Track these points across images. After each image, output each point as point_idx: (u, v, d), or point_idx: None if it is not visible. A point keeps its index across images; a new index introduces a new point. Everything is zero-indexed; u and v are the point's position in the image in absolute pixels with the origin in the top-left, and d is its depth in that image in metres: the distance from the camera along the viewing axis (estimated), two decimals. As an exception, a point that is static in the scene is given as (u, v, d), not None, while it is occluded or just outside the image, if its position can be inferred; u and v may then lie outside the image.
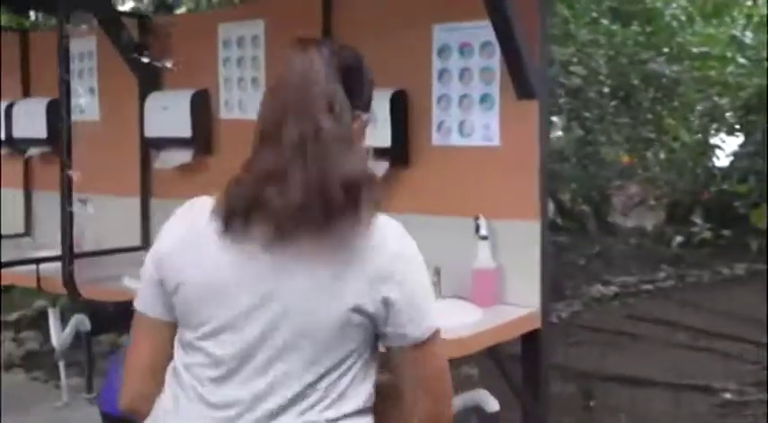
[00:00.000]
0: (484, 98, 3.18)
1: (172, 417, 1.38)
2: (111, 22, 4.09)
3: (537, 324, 3.09)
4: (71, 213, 3.13)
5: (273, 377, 1.34)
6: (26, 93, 4.87)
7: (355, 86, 1.46)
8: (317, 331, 1.34)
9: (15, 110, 4.74)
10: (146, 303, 1.45)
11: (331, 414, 1.36)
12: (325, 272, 1.36)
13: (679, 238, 9.61)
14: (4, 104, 4.80)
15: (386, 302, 1.38)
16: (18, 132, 4.73)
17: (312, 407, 1.35)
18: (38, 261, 3.65)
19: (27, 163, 4.89)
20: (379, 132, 3.22)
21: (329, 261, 1.35)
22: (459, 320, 2.89)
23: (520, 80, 3.03)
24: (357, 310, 1.36)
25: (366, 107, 1.54)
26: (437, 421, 1.45)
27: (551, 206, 10.11)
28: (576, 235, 9.79)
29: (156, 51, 4.18)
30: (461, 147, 3.26)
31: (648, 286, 8.14)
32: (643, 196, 10.50)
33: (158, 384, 1.43)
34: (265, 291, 1.35)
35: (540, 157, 3.09)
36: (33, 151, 4.75)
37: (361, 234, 1.38)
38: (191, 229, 1.42)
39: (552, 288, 6.64)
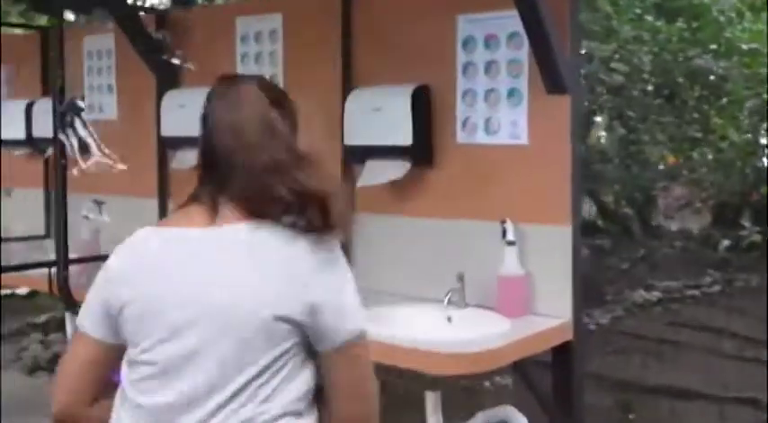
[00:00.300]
0: (511, 93, 2.97)
1: None
2: (127, 19, 3.95)
3: (568, 336, 2.87)
4: (65, 217, 2.98)
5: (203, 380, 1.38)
6: (45, 91, 4.76)
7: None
8: (243, 333, 1.38)
9: (35, 109, 4.63)
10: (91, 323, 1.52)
11: (259, 413, 1.38)
12: (253, 275, 1.41)
13: (726, 242, 9.24)
14: (25, 103, 4.70)
15: (311, 306, 1.40)
16: (37, 132, 4.63)
17: (243, 406, 1.37)
18: (35, 266, 3.53)
19: (47, 163, 4.78)
20: (399, 130, 3.04)
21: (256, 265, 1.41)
22: (483, 332, 2.69)
23: (549, 73, 2.81)
24: (281, 315, 1.38)
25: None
26: None
27: (592, 208, 9.83)
28: (618, 238, 9.48)
29: (174, 49, 4.04)
30: (487, 145, 3.05)
31: (694, 292, 7.80)
32: (689, 198, 10.15)
33: (87, 399, 1.51)
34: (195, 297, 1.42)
35: (572, 156, 2.87)
36: (52, 151, 4.64)
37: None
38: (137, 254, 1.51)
39: (591, 293, 6.38)
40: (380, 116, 3.15)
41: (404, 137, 3.09)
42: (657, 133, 8.62)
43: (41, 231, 4.73)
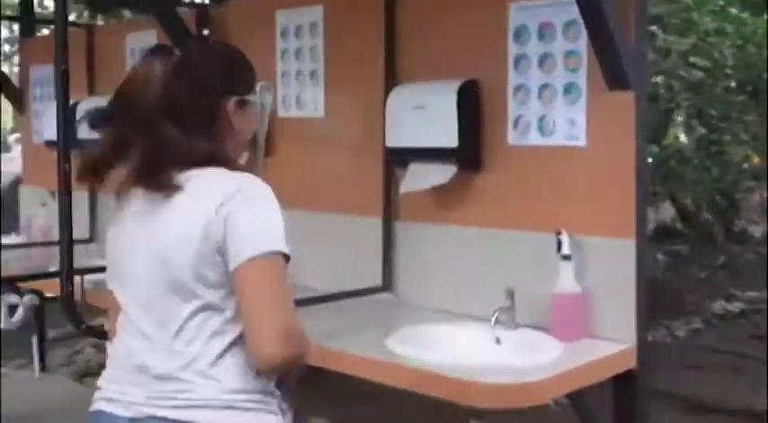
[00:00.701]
0: (568, 88, 2.65)
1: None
2: (167, 16, 3.76)
3: (631, 363, 2.54)
4: (70, 226, 2.76)
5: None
6: (92, 91, 4.62)
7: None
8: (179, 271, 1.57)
9: (79, 110, 4.49)
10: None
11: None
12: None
13: (816, 249, 8.64)
14: (70, 103, 4.57)
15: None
16: (82, 133, 4.48)
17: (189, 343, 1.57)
18: (38, 276, 3.38)
19: (92, 165, 4.64)
20: (444, 130, 2.76)
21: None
22: (534, 359, 2.39)
23: (611, 67, 2.49)
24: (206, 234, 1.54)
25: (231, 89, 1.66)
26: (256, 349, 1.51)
27: (670, 211, 9.32)
28: (698, 244, 8.95)
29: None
30: (541, 147, 2.73)
31: (779, 303, 7.29)
32: (775, 201, 9.55)
33: None
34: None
35: (636, 159, 2.53)
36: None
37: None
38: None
39: (667, 303, 5.93)
40: (424, 115, 2.87)
41: (449, 138, 2.80)
42: (740, 132, 8.09)
43: (86, 235, 4.58)
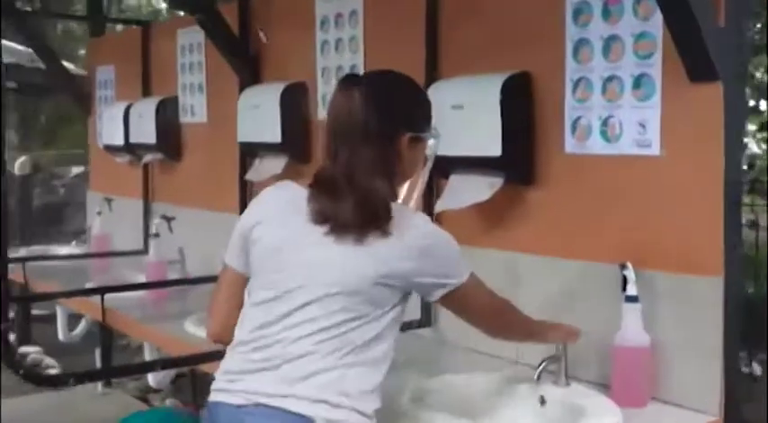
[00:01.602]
0: (638, 81, 2.07)
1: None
2: (204, 11, 3.38)
3: (715, 441, 1.94)
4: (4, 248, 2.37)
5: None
6: (146, 92, 4.32)
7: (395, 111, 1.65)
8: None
9: (132, 112, 4.21)
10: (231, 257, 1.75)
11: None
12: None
13: None
14: (124, 106, 4.30)
15: None
16: (134, 137, 4.21)
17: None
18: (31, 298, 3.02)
19: (146, 171, 4.35)
20: (485, 135, 2.23)
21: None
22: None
23: (693, 52, 1.90)
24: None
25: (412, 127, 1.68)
26: None
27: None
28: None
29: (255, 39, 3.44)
30: (604, 156, 2.16)
31: None
32: None
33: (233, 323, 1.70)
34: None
35: (725, 174, 1.93)
36: (148, 157, 4.20)
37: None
38: (278, 201, 1.71)
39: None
40: (463, 116, 2.35)
41: (491, 145, 2.27)
42: None
43: (140, 246, 4.28)
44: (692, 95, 1.96)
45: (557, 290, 2.28)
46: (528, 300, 2.34)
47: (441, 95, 2.43)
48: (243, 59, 3.41)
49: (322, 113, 3.07)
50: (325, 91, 3.08)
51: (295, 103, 3.13)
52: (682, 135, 2.00)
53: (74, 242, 4.70)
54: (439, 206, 2.46)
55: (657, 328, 2.01)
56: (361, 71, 2.91)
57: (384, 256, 1.58)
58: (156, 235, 3.50)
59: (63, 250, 4.71)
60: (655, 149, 2.04)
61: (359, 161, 1.60)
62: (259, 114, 3.23)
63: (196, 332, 2.75)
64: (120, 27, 5.47)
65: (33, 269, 4.08)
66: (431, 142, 1.74)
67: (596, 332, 2.09)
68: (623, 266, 2.03)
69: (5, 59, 5.15)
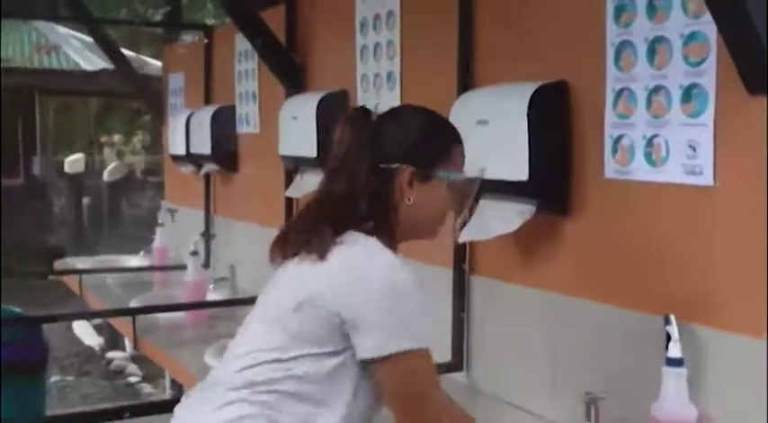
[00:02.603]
0: (689, 93, 1.68)
1: None
2: (244, 17, 3.17)
3: None
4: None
5: None
6: (208, 100, 4.16)
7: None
8: None
9: (193, 121, 4.06)
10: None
11: None
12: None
13: None
14: (186, 115, 4.16)
15: None
16: (193, 146, 4.05)
17: None
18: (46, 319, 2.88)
19: (207, 182, 4.19)
20: (511, 155, 1.91)
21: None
22: None
23: (752, 58, 1.50)
24: None
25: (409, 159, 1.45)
26: None
27: None
28: None
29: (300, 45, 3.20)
30: (648, 184, 1.78)
31: None
32: None
33: None
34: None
35: (795, 210, 1.52)
36: (206, 168, 4.04)
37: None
38: None
39: None
40: (488, 133, 2.01)
41: (517, 167, 1.92)
42: None
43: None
44: (753, 111, 1.56)
45: (589, 340, 1.91)
46: (556, 347, 2.00)
47: (466, 108, 2.11)
48: (286, 67, 3.17)
49: (361, 126, 2.79)
50: (365, 100, 2.79)
51: (332, 114, 2.85)
52: (739, 161, 1.60)
53: (142, 252, 4.59)
54: (463, 236, 2.13)
55: (706, 398, 1.62)
56: (397, 81, 2.62)
57: (306, 280, 1.38)
58: (195, 253, 3.32)
59: (132, 260, 4.62)
60: (707, 178, 1.65)
61: (328, 190, 1.47)
62: (297, 126, 2.98)
63: (215, 365, 2.53)
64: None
65: (97, 280, 4.01)
66: (458, 180, 1.50)
67: (632, 397, 1.72)
68: (667, 320, 1.65)
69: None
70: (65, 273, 4.20)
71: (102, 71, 6.21)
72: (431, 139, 1.48)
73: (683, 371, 1.62)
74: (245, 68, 3.75)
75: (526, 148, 1.90)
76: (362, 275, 1.35)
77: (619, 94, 1.83)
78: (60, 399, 5.10)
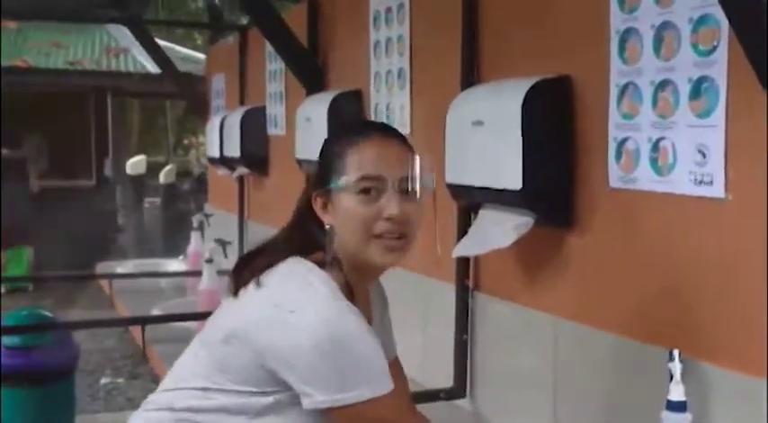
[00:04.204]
0: (698, 87, 1.43)
1: None
2: (264, 16, 3.01)
3: None
4: None
5: None
6: (242, 101, 4.04)
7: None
8: None
9: (226, 124, 3.93)
10: None
11: None
12: None
13: None
14: (222, 116, 4.04)
15: None
16: (226, 149, 3.93)
17: None
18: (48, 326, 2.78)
19: (241, 185, 4.06)
20: (505, 160, 1.69)
21: None
22: None
23: (765, 47, 1.25)
24: None
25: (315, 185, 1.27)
26: None
27: None
28: None
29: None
30: (654, 195, 1.53)
31: None
32: None
33: None
34: None
35: (817, 229, 1.26)
36: (238, 172, 3.91)
37: None
38: None
39: None
40: (483, 135, 1.79)
41: (510, 173, 1.69)
42: None
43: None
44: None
45: (593, 371, 1.67)
46: (559, 377, 1.77)
47: (462, 109, 1.89)
48: (307, 67, 3.01)
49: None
50: (377, 100, 2.60)
51: (345, 114, 2.67)
52: (753, 169, 1.34)
53: (181, 257, 4.51)
54: (458, 250, 1.91)
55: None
56: (407, 77, 2.41)
57: (238, 309, 1.21)
58: (210, 261, 3.18)
59: (171, 264, 4.55)
60: (718, 189, 1.39)
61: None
62: (310, 128, 2.81)
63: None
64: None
65: (131, 284, 3.94)
66: (350, 183, 1.23)
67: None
68: (671, 355, 1.40)
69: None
70: (96, 277, 4.14)
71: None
72: (324, 156, 1.28)
73: (685, 417, 1.37)
74: (274, 69, 3.60)
75: (520, 152, 1.67)
76: (289, 323, 1.16)
77: (623, 90, 1.58)
78: (107, 401, 5.06)
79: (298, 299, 1.17)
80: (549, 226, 1.75)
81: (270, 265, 1.21)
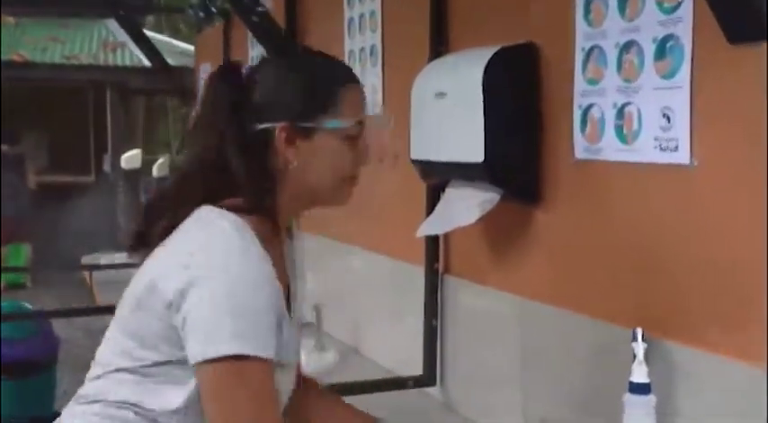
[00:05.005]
0: (662, 47, 1.33)
1: None
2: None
3: None
4: None
5: None
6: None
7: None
8: None
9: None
10: None
11: None
12: None
13: None
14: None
15: None
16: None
17: None
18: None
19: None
20: (466, 132, 1.61)
21: None
22: None
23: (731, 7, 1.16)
24: None
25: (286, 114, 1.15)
26: None
27: None
28: None
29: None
30: (620, 165, 1.44)
31: None
32: None
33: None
34: None
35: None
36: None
37: None
38: None
39: None
40: (445, 107, 1.70)
41: (473, 146, 1.60)
42: None
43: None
44: (735, 67, 1.20)
45: (562, 355, 1.58)
46: (528, 362, 1.68)
47: (425, 80, 1.80)
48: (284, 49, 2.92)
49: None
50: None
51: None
52: (721, 132, 1.24)
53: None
54: (421, 230, 1.82)
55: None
56: (379, 54, 2.33)
57: (141, 274, 1.14)
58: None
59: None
60: (683, 155, 1.30)
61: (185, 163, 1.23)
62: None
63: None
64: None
65: (111, 276, 3.86)
66: (349, 128, 1.17)
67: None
68: (634, 335, 1.31)
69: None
70: (79, 268, 4.08)
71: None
72: (309, 85, 1.17)
73: (649, 399, 1.28)
74: (257, 54, 3.51)
75: (481, 123, 1.58)
76: (185, 266, 1.07)
77: (588, 54, 1.49)
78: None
79: (199, 240, 1.08)
80: (515, 202, 1.65)
81: (174, 225, 1.13)
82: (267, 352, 1.06)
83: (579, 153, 1.52)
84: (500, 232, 1.77)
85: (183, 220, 1.13)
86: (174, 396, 1.12)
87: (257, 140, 1.15)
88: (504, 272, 1.78)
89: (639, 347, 1.29)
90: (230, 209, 1.12)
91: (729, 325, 1.24)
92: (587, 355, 1.52)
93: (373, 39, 2.36)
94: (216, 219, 1.11)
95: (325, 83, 1.17)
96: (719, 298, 1.25)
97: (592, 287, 1.51)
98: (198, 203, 1.14)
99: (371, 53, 2.38)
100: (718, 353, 1.25)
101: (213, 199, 1.13)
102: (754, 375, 1.17)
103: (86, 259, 4.54)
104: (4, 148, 7.77)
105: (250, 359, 1.04)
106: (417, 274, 2.03)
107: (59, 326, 3.42)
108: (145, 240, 1.18)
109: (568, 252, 1.58)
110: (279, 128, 1.14)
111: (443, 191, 1.85)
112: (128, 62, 8.46)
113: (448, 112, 1.69)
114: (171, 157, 7.17)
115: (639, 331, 1.30)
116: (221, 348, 1.03)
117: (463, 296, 1.94)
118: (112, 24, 8.90)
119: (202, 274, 1.05)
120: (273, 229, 1.13)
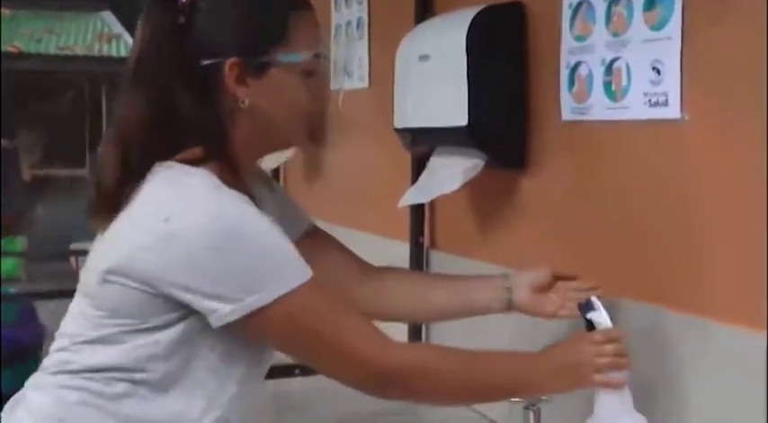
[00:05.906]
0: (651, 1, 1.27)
1: None
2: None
3: None
4: None
5: None
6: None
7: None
8: None
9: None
10: None
11: None
12: None
13: None
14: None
15: None
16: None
17: None
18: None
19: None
20: (450, 96, 1.54)
21: None
22: None
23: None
24: None
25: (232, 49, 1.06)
26: None
27: None
28: None
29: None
30: (609, 124, 1.37)
31: None
32: None
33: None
34: None
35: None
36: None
37: None
38: None
39: None
40: (428, 71, 1.64)
41: (457, 110, 1.54)
42: None
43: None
44: (728, 12, 1.14)
45: (547, 333, 1.51)
46: (515, 340, 1.61)
47: (409, 44, 1.74)
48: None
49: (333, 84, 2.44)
50: (336, 53, 2.44)
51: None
52: (713, 84, 1.18)
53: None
54: (403, 200, 1.76)
55: (665, 402, 1.21)
56: (365, 25, 2.26)
57: (107, 244, 1.07)
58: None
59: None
60: (673, 110, 1.23)
61: (125, 113, 1.11)
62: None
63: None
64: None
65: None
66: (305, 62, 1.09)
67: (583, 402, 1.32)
68: (587, 301, 1.22)
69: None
70: (66, 255, 4.03)
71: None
72: (258, 16, 1.08)
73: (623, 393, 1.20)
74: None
75: (465, 86, 1.51)
76: (166, 233, 1.00)
77: (576, 9, 1.42)
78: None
79: (169, 203, 1.01)
80: (501, 168, 1.59)
81: (133, 186, 1.05)
82: (307, 273, 1.02)
83: (566, 114, 1.45)
84: (486, 202, 1.71)
85: (140, 179, 1.06)
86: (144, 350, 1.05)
87: (205, 77, 1.06)
88: (492, 243, 1.71)
89: (602, 314, 1.20)
90: (188, 162, 1.06)
91: (725, 289, 1.17)
92: (579, 328, 1.45)
93: (360, 11, 2.30)
94: (182, 177, 1.04)
95: (276, 10, 1.09)
96: (714, 261, 1.18)
97: (581, 254, 1.44)
98: (153, 157, 1.07)
99: (358, 26, 2.31)
100: (713, 319, 1.18)
101: (167, 151, 1.06)
102: (754, 341, 1.10)
103: (75, 246, 4.48)
104: (4, 142, 7.72)
105: (300, 288, 1.01)
106: (403, 250, 1.96)
107: (47, 315, 3.36)
108: (105, 206, 1.11)
109: (556, 219, 1.51)
110: (228, 64, 1.06)
111: (426, 161, 1.79)
112: (123, 54, 8.41)
113: (431, 74, 1.62)
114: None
115: (595, 298, 1.21)
116: (264, 296, 0.99)
117: (450, 270, 1.86)
118: (108, 16, 8.84)
119: (184, 236, 0.98)
120: (235, 176, 1.07)
